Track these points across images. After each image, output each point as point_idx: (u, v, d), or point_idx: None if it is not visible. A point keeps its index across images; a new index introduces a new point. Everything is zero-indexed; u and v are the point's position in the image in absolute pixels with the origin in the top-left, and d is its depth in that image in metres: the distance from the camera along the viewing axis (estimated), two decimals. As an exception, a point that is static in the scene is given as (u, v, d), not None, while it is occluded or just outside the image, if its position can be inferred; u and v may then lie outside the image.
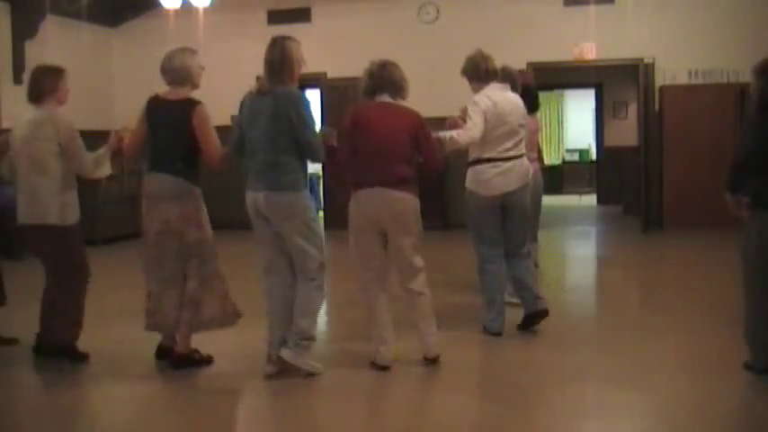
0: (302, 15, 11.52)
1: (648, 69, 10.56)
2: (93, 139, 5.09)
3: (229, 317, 4.63)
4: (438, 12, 11.20)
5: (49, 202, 4.59)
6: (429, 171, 4.53)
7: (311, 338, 4.34)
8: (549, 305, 5.35)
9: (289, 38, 4.33)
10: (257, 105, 4.28)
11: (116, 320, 5.63)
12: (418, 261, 4.48)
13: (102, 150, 4.78)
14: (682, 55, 10.45)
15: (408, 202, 4.37)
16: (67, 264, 4.71)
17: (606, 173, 14.43)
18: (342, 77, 11.04)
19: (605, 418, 3.78)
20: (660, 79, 10.60)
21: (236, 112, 4.41)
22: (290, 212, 4.22)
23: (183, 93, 4.57)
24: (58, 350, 4.68)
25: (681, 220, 10.38)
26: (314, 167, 13.54)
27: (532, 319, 5.23)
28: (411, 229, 4.42)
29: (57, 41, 10.53)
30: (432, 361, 4.51)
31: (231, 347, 4.91)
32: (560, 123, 18.78)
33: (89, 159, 4.72)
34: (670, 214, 10.53)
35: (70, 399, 4.30)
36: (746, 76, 9.71)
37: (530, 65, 10.66)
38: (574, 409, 3.89)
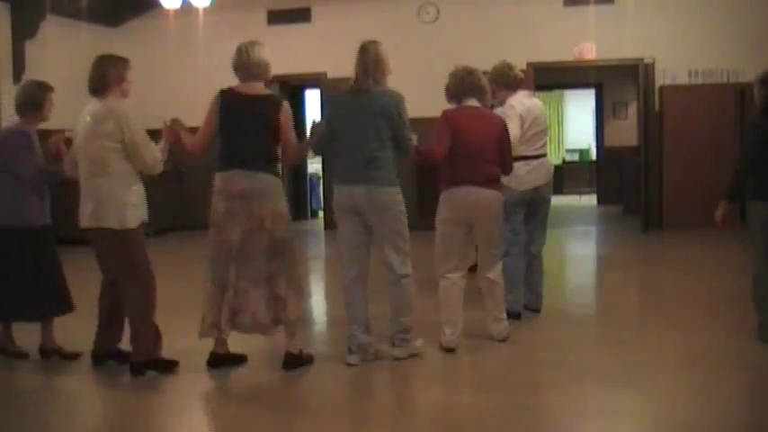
0: (302, 15, 11.52)
1: (648, 69, 10.56)
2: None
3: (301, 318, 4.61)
4: (438, 12, 11.20)
5: (110, 205, 4.30)
6: (505, 173, 4.95)
7: (410, 330, 4.60)
8: (550, 305, 5.58)
9: (377, 42, 4.55)
10: (354, 103, 4.47)
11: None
12: (499, 253, 4.97)
13: (162, 144, 4.51)
14: (682, 55, 10.45)
15: (498, 198, 4.81)
16: (125, 269, 4.42)
17: (606, 173, 14.43)
18: (342, 77, 10.88)
19: (605, 418, 3.78)
20: (660, 79, 10.60)
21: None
22: (387, 207, 4.43)
23: (258, 88, 4.48)
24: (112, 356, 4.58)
25: (681, 220, 10.38)
26: (314, 167, 13.56)
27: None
28: (497, 224, 4.86)
29: (57, 41, 10.53)
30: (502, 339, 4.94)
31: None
32: (560, 123, 18.78)
33: (156, 155, 4.40)
34: (670, 214, 10.54)
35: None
36: (746, 76, 9.80)
37: (530, 65, 10.67)
38: (574, 409, 3.88)
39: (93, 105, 4.38)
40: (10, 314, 4.83)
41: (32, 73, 10.00)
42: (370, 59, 4.46)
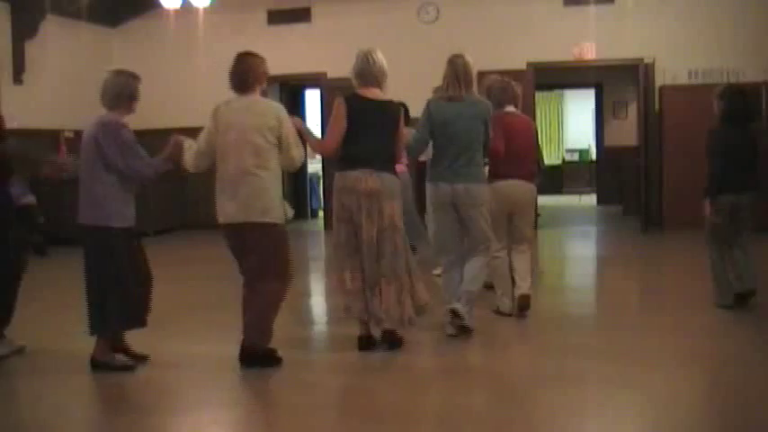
0: (302, 15, 11.53)
1: (648, 69, 10.57)
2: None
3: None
4: (438, 12, 11.20)
5: (272, 198, 4.35)
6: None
7: (475, 298, 5.09)
8: (549, 305, 5.69)
9: (463, 55, 5.00)
10: (454, 109, 4.93)
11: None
12: (531, 233, 5.84)
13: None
14: (682, 55, 10.46)
15: (534, 191, 5.72)
16: (272, 264, 4.41)
17: (606, 173, 14.43)
18: (342, 77, 10.87)
19: (605, 418, 3.78)
20: (660, 79, 10.60)
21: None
22: (482, 200, 5.03)
23: (379, 93, 4.67)
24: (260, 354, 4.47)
25: (681, 220, 10.36)
26: (314, 168, 13.55)
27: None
28: (533, 212, 5.83)
29: (57, 41, 10.53)
30: (524, 299, 5.46)
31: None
32: (560, 123, 18.79)
33: (302, 152, 4.51)
34: (670, 214, 10.53)
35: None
36: (746, 76, 9.82)
37: (530, 65, 10.69)
38: (575, 409, 3.89)
39: (246, 100, 4.40)
40: (120, 323, 4.51)
41: (32, 73, 10.02)
42: (459, 70, 4.91)
